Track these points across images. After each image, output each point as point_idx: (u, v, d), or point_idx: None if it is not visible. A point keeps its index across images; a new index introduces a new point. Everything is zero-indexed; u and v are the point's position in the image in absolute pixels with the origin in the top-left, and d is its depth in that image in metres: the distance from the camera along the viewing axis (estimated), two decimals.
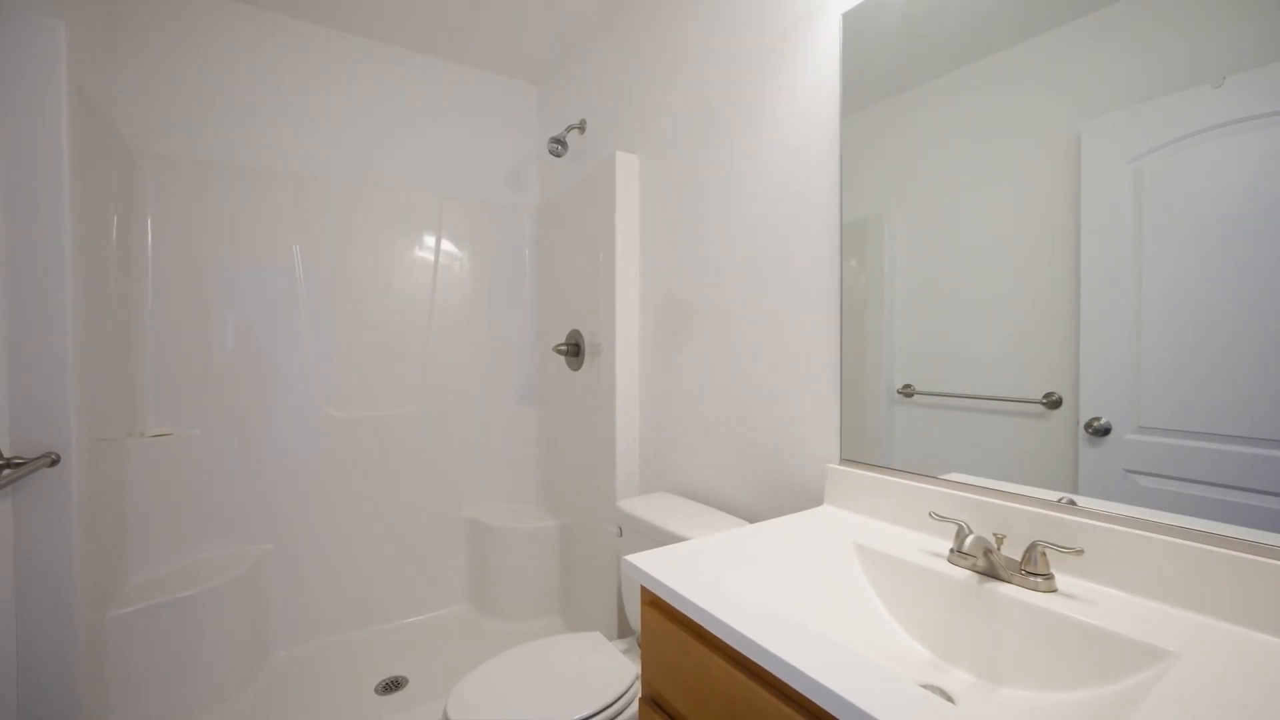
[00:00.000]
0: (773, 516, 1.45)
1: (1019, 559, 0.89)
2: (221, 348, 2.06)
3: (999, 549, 0.86)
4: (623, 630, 2.01)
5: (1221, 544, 0.73)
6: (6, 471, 1.22)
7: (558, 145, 2.20)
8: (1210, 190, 0.75)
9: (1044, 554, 0.82)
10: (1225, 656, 0.64)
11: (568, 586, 2.43)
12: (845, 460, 1.25)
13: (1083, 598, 0.79)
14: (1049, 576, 0.81)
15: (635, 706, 1.32)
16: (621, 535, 1.68)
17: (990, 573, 0.86)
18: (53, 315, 1.34)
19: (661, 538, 1.48)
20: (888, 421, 1.17)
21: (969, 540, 0.82)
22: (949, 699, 0.78)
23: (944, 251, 1.07)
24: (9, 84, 1.29)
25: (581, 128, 2.31)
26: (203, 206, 2.01)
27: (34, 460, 1.26)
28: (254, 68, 2.11)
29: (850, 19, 1.23)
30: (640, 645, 0.95)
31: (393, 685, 1.99)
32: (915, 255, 1.12)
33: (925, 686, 0.80)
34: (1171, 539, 0.76)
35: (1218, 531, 0.74)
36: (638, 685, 1.36)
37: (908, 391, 1.14)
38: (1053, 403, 0.92)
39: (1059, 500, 0.90)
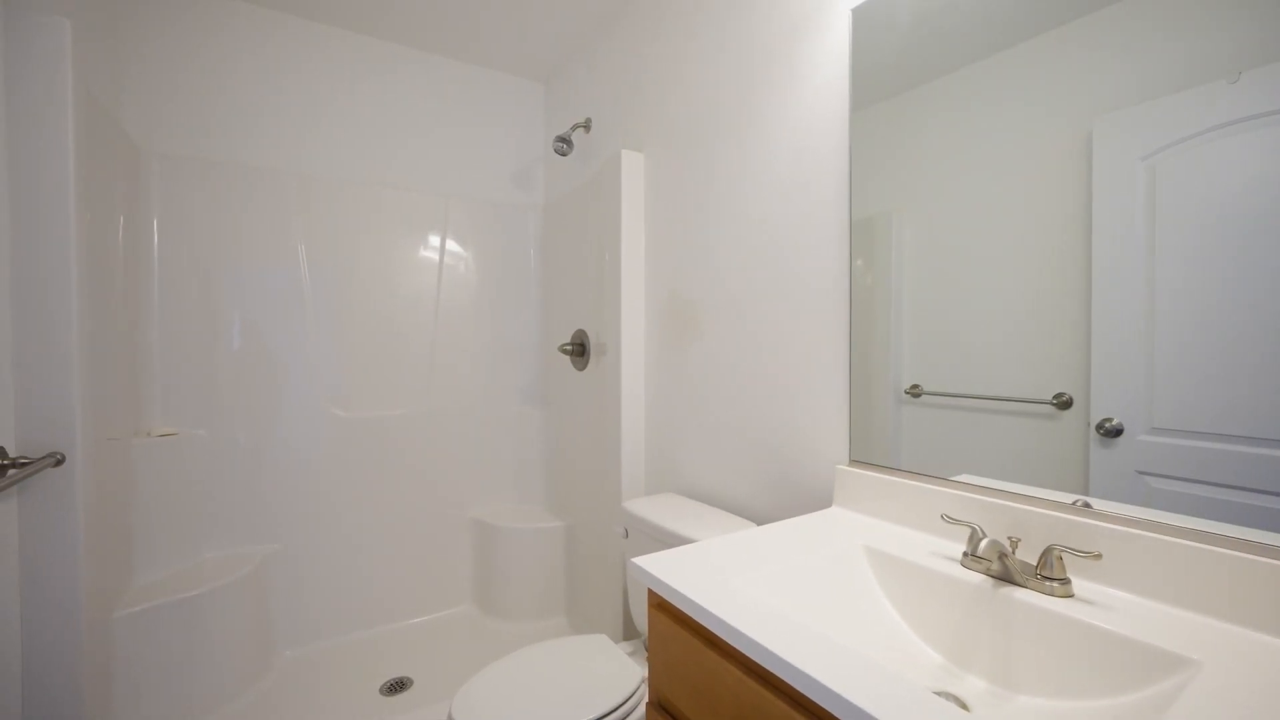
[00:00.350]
0: (780, 518, 1.44)
1: (1034, 563, 0.87)
2: (227, 348, 2.05)
3: (1014, 553, 0.85)
4: (628, 632, 2.00)
5: (1244, 548, 0.71)
6: (12, 471, 1.21)
7: (563, 144, 2.19)
8: (1225, 187, 0.74)
9: (1060, 558, 0.80)
10: (1251, 666, 0.62)
11: (573, 587, 2.43)
12: (854, 461, 1.24)
13: (1101, 603, 0.77)
14: (1066, 581, 0.80)
15: (642, 710, 1.30)
16: (627, 536, 1.67)
17: (1005, 577, 0.85)
18: (58, 315, 1.33)
19: (668, 539, 1.46)
20: (895, 422, 1.16)
21: (983, 544, 0.80)
22: (963, 706, 0.76)
23: (952, 250, 1.05)
24: (14, 83, 1.28)
25: (587, 126, 2.30)
26: (208, 206, 2.01)
27: (39, 460, 1.25)
28: (258, 67, 2.11)
29: (860, 14, 1.21)
30: (647, 649, 0.94)
31: (397, 686, 1.99)
32: (923, 254, 1.10)
33: (939, 693, 0.79)
34: (1192, 543, 0.75)
35: (1240, 536, 0.73)
36: (644, 689, 1.34)
37: (915, 392, 1.12)
38: (1063, 403, 0.90)
39: (1074, 503, 0.88)
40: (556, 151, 2.20)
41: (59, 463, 1.32)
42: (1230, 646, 0.66)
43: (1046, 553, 0.81)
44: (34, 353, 1.31)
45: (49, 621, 1.33)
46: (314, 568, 2.21)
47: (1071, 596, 0.79)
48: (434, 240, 2.47)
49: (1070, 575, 0.84)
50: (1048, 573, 0.81)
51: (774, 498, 1.46)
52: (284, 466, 2.15)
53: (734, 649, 0.76)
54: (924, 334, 1.10)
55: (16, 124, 1.29)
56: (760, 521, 1.50)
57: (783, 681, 0.67)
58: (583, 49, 2.39)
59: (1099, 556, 0.76)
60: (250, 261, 2.09)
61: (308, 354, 2.20)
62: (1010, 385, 0.97)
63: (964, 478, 1.03)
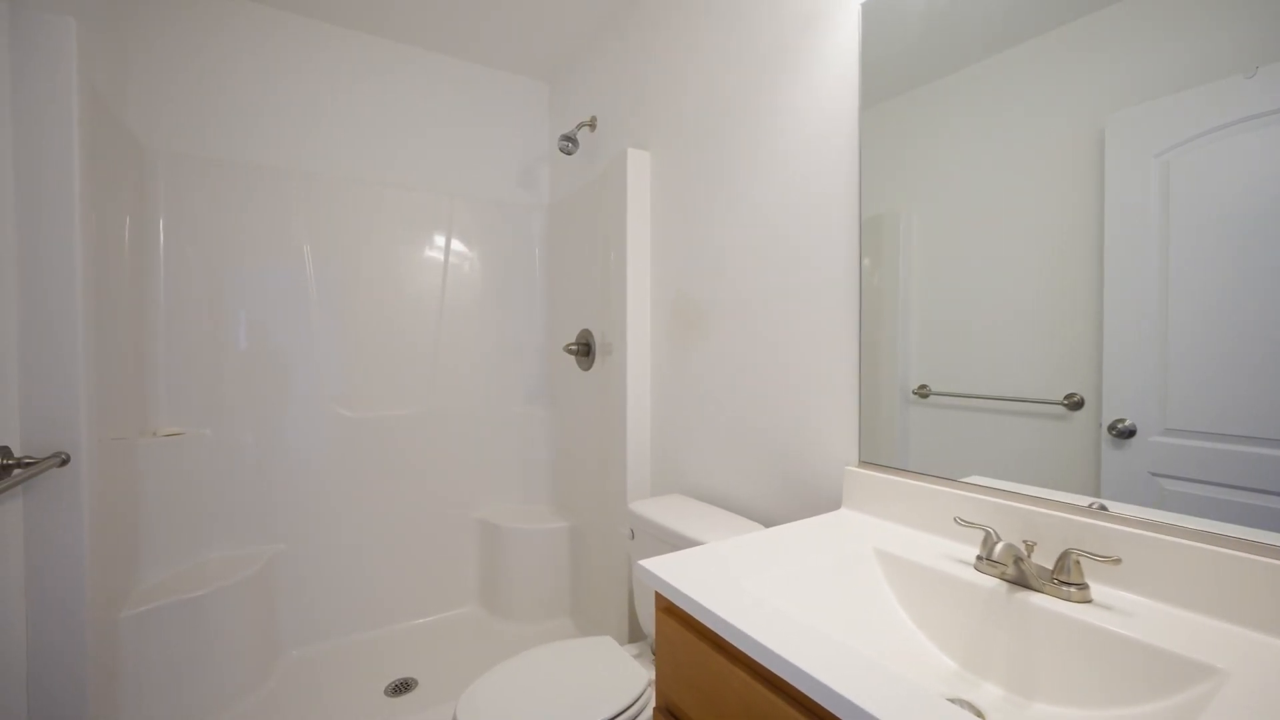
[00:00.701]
0: (788, 520, 1.42)
1: (1050, 567, 0.85)
2: (233, 347, 2.05)
3: (1029, 556, 0.83)
4: (634, 634, 1.99)
5: (1267, 553, 0.69)
6: (17, 471, 1.21)
7: (568, 143, 2.18)
8: (1242, 183, 0.72)
9: (1078, 562, 0.78)
10: None
11: (578, 589, 2.41)
12: (864, 463, 1.22)
13: (1120, 609, 0.75)
14: (1083, 586, 0.78)
15: (648, 714, 1.29)
16: (633, 538, 1.66)
17: (1020, 581, 0.83)
18: (63, 315, 1.33)
19: (675, 541, 1.45)
20: (903, 423, 1.14)
21: (999, 547, 0.79)
22: (978, 713, 0.75)
23: (961, 248, 1.04)
24: (20, 82, 1.28)
25: (592, 125, 2.29)
26: (213, 206, 2.01)
27: (44, 460, 1.25)
28: (262, 65, 2.10)
29: (869, 10, 1.20)
30: (654, 653, 0.93)
31: (402, 687, 1.98)
32: (931, 253, 1.09)
33: (953, 700, 0.77)
34: (1213, 547, 0.73)
35: (1262, 540, 0.71)
36: (650, 692, 1.33)
37: (923, 392, 1.11)
38: (1074, 404, 0.88)
39: (1089, 505, 0.86)
40: (562, 150, 2.19)
41: (64, 463, 1.32)
42: (1257, 655, 0.64)
43: (1064, 557, 0.79)
44: (39, 353, 1.31)
45: (54, 622, 1.32)
46: (319, 568, 2.20)
47: (1090, 602, 0.77)
48: (439, 240, 2.46)
49: (1088, 580, 0.83)
50: (1064, 577, 0.79)
51: (782, 499, 1.44)
52: (289, 466, 2.15)
53: (743, 653, 0.74)
54: (932, 333, 1.09)
55: (22, 123, 1.29)
56: (768, 523, 1.48)
57: (793, 687, 0.66)
58: (588, 47, 2.38)
59: (1119, 561, 0.74)
60: (256, 261, 2.08)
61: (313, 354, 2.19)
62: (1020, 385, 0.96)
63: (974, 479, 1.02)
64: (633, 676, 1.35)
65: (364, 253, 2.29)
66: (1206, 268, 0.75)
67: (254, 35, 2.09)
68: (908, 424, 1.13)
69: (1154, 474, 0.80)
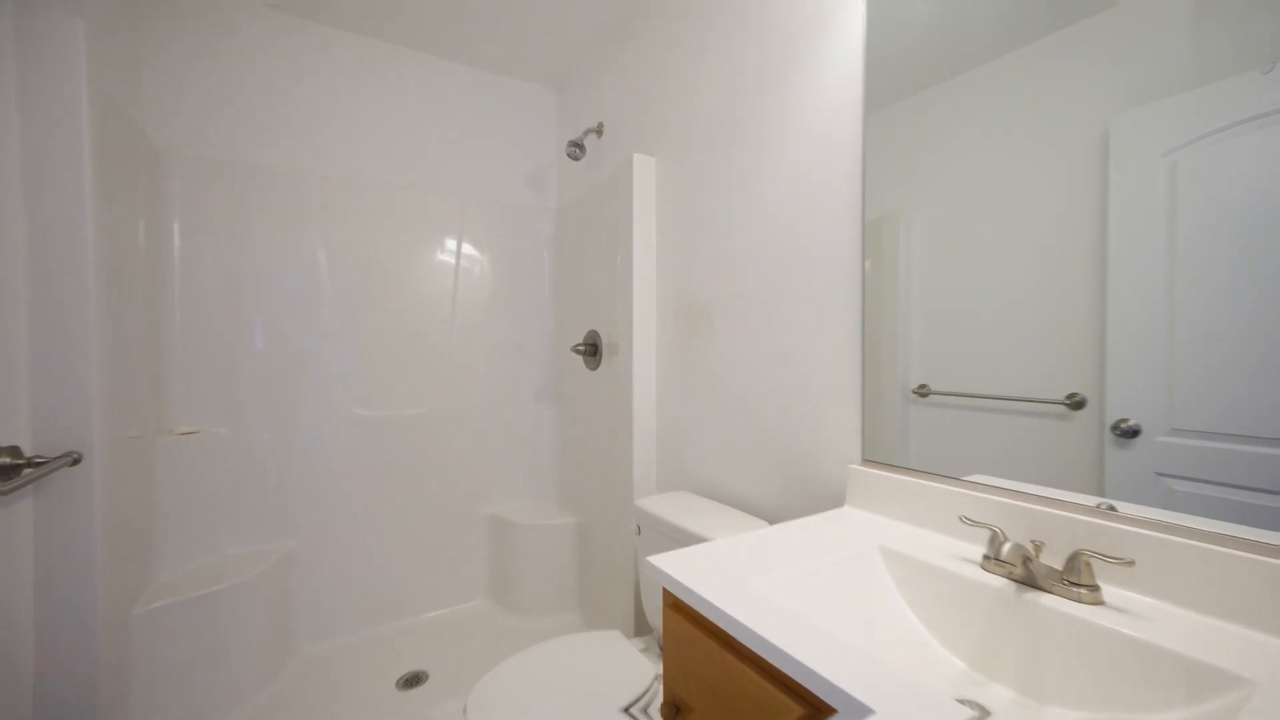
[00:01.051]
0: (792, 517, 1.42)
1: (1059, 568, 0.85)
2: (249, 348, 2.07)
3: (1037, 557, 0.82)
4: (640, 628, 1.99)
5: None
6: (27, 471, 1.20)
7: (576, 148, 2.20)
8: (1252, 182, 0.71)
9: (1088, 563, 0.78)
10: None
11: (586, 583, 2.43)
12: (867, 461, 1.22)
13: (1134, 612, 0.74)
14: (1094, 588, 0.77)
15: (656, 707, 1.30)
16: (640, 534, 1.66)
17: (1029, 582, 0.82)
18: (75, 315, 1.33)
19: (681, 537, 1.45)
20: (903, 422, 1.14)
21: (1007, 547, 0.78)
22: (988, 715, 0.74)
23: (962, 249, 1.04)
24: (28, 84, 1.27)
25: (599, 131, 2.30)
26: (229, 208, 2.02)
27: (55, 460, 1.25)
28: (276, 70, 2.12)
29: (874, 15, 1.19)
30: (662, 649, 0.93)
31: (413, 680, 2.00)
32: (933, 253, 1.08)
33: (962, 701, 0.77)
34: (1229, 550, 0.71)
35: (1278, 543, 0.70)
36: (658, 686, 1.34)
37: (923, 391, 1.11)
38: (1076, 403, 0.88)
39: (1098, 506, 0.85)
40: (569, 156, 2.21)
41: (75, 462, 1.32)
42: None
43: (1074, 558, 0.79)
44: (51, 352, 1.31)
45: (64, 623, 1.32)
46: (333, 563, 2.23)
47: (1102, 604, 0.76)
48: (450, 243, 2.48)
49: (1098, 582, 0.82)
50: (1074, 578, 0.78)
51: (785, 496, 1.44)
52: (304, 464, 2.17)
53: (750, 650, 0.74)
54: (933, 333, 1.09)
55: (32, 124, 1.28)
56: (772, 520, 1.48)
57: (799, 684, 0.66)
58: (595, 56, 2.39)
59: (1132, 563, 0.73)
60: (271, 263, 2.10)
61: (328, 354, 2.21)
62: (1021, 385, 0.95)
63: (976, 478, 1.01)
64: (640, 671, 1.35)
65: (378, 255, 2.31)
66: (1213, 266, 0.74)
67: (267, 40, 2.10)
68: (908, 423, 1.13)
69: (1160, 474, 0.79)
